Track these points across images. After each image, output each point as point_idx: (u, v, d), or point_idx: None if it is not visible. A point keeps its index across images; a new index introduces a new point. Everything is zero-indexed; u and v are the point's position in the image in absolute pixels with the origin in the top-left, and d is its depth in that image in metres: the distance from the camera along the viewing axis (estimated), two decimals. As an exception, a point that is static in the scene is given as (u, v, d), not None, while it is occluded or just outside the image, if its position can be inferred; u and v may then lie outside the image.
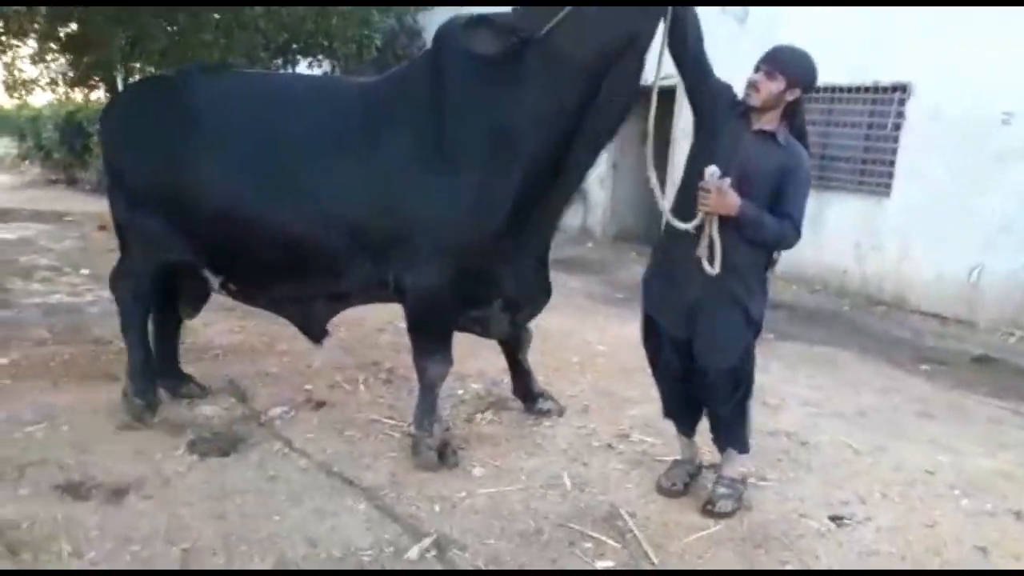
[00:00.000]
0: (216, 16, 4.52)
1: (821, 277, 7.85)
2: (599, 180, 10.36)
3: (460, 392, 4.32)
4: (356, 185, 3.22)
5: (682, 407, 3.25)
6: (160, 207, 3.51)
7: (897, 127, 7.17)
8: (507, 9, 3.09)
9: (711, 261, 2.84)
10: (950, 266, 6.82)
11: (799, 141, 2.95)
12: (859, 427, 4.13)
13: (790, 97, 2.87)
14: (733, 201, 2.77)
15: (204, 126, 3.44)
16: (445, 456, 3.39)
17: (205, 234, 3.50)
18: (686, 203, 2.93)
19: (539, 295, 3.62)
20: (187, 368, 4.27)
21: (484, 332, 3.66)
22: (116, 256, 3.90)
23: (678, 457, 3.38)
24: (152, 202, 3.53)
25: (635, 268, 9.06)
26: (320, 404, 4.09)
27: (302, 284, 3.53)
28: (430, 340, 3.40)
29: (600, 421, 4.01)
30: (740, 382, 3.01)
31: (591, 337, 5.64)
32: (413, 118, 3.19)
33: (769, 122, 2.89)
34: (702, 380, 3.02)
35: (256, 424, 3.80)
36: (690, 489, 3.26)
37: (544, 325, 5.83)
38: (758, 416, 3.66)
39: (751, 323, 2.97)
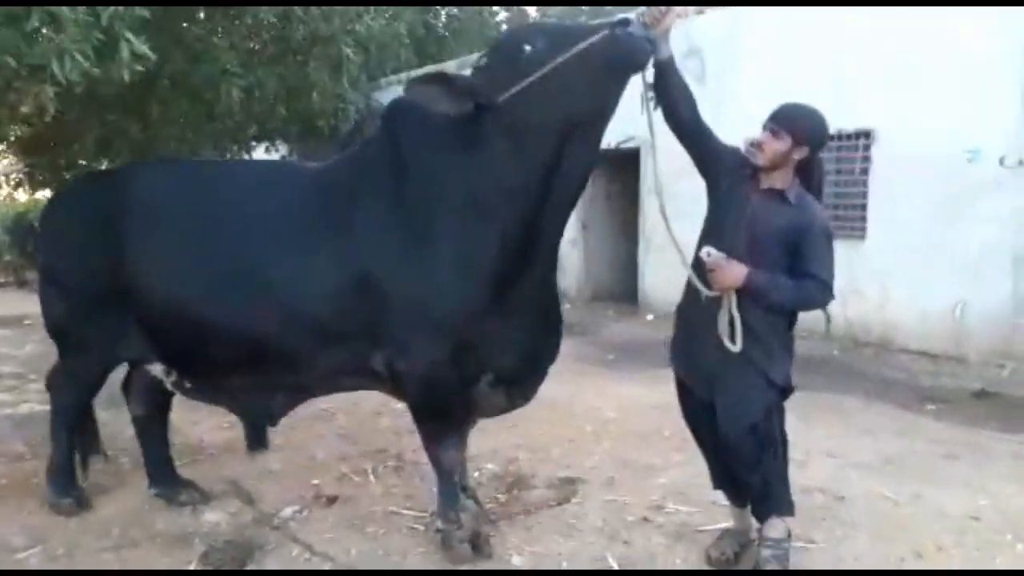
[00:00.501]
0: (185, 108, 4.41)
1: (806, 325, 7.86)
2: (571, 241, 10.37)
3: (476, 475, 4.12)
4: (323, 272, 3.03)
5: (727, 474, 3.08)
6: (109, 306, 3.37)
7: (865, 171, 7.34)
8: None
9: (732, 338, 2.77)
10: (933, 303, 6.91)
11: (815, 197, 2.89)
12: (889, 476, 4.04)
13: (798, 155, 2.80)
14: (738, 273, 2.72)
15: (153, 220, 3.31)
16: (479, 547, 3.17)
17: (157, 332, 3.36)
18: (697, 267, 2.88)
19: (539, 364, 3.30)
20: (181, 471, 4.03)
21: (474, 409, 3.29)
22: None
23: (727, 525, 3.24)
24: (100, 302, 3.40)
25: (616, 327, 9.08)
26: (332, 500, 3.86)
27: (263, 377, 3.32)
28: (438, 425, 3.19)
29: (629, 493, 3.85)
30: (765, 446, 2.88)
31: (596, 403, 5.50)
32: (375, 196, 3.03)
33: (778, 180, 2.83)
34: (726, 445, 2.91)
35: (269, 528, 3.55)
36: (741, 560, 3.10)
37: (545, 393, 5.74)
38: (793, 473, 3.49)
39: (772, 385, 2.87)
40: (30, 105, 2.61)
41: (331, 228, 3.06)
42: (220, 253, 3.20)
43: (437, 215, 2.92)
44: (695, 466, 3.48)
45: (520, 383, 3.26)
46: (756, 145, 2.80)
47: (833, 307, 7.66)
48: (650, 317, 9.35)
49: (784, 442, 3.02)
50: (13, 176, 6.98)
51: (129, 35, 2.62)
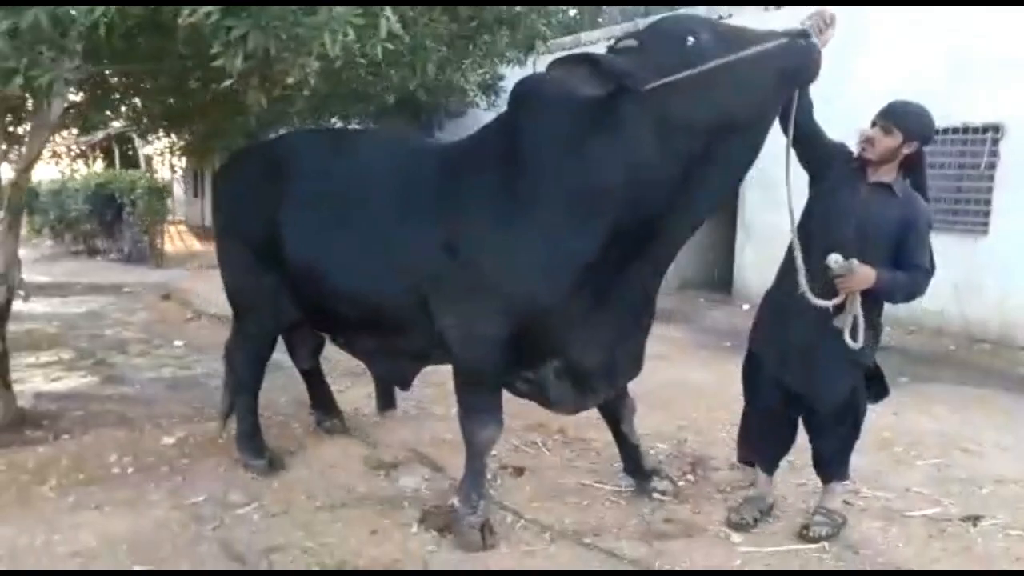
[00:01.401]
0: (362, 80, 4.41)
1: (914, 318, 7.79)
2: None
3: (652, 452, 4.16)
4: (429, 244, 3.08)
5: (773, 445, 3.37)
6: (271, 266, 3.56)
7: (992, 165, 7.22)
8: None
9: (854, 336, 2.89)
10: (1058, 302, 6.80)
11: (919, 192, 3.01)
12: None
13: (907, 151, 2.93)
14: (868, 276, 2.84)
15: (300, 184, 3.49)
16: (486, 536, 3.10)
17: (299, 292, 3.55)
18: (808, 260, 2.92)
19: (621, 368, 3.26)
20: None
21: (543, 400, 3.30)
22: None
23: (750, 493, 3.48)
24: (264, 262, 3.59)
25: (715, 315, 9.03)
26: (519, 470, 3.92)
27: (385, 341, 3.48)
28: (481, 399, 3.15)
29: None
30: (846, 418, 3.13)
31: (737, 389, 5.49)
32: (490, 175, 3.03)
33: (885, 174, 2.97)
34: (810, 418, 3.20)
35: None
36: (759, 524, 3.32)
37: (688, 377, 5.79)
38: (974, 464, 3.97)
39: (859, 366, 3.06)
40: (296, 74, 2.65)
41: (432, 201, 3.13)
42: (350, 219, 3.32)
43: (541, 200, 2.86)
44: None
45: (590, 383, 3.19)
46: (868, 141, 2.93)
47: (947, 303, 7.65)
48: (746, 307, 9.28)
49: (863, 415, 3.20)
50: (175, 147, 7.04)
51: (388, 12, 2.64)
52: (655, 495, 3.57)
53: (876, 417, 4.52)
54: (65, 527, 3.23)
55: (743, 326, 8.48)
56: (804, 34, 2.63)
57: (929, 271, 2.96)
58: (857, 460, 3.89)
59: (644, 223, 2.78)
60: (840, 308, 2.91)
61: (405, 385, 3.73)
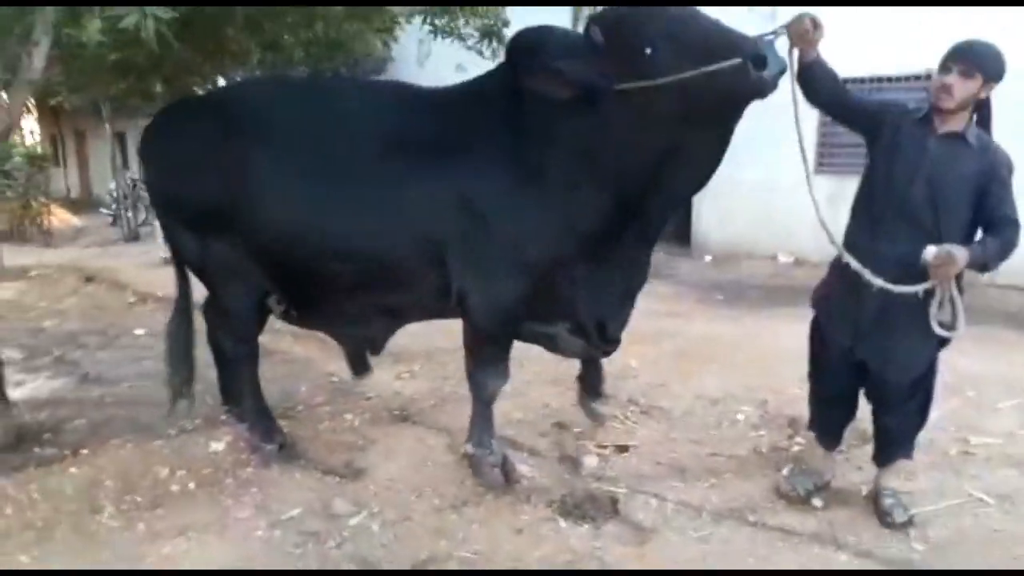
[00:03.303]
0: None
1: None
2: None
3: (740, 417, 4.02)
4: (437, 196, 2.97)
5: (837, 419, 3.15)
6: (234, 233, 3.19)
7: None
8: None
9: (952, 326, 2.67)
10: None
11: (987, 132, 2.77)
12: None
13: (984, 94, 2.67)
14: (961, 259, 2.54)
15: (279, 140, 3.11)
16: (508, 473, 3.28)
17: (267, 256, 3.22)
18: (866, 227, 2.84)
19: (620, 324, 3.34)
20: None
21: (553, 349, 3.46)
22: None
23: (805, 465, 3.29)
24: (223, 226, 3.19)
25: (682, 268, 9.00)
26: (622, 448, 3.67)
27: (364, 300, 3.30)
28: (492, 353, 3.23)
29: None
30: (918, 392, 2.92)
31: (781, 343, 5.45)
32: (490, 129, 2.99)
33: (957, 123, 2.69)
34: (879, 392, 2.95)
35: (592, 478, 3.35)
36: (808, 499, 3.12)
37: (718, 333, 5.67)
38: None
39: (935, 337, 2.76)
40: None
41: (438, 156, 2.99)
42: (339, 172, 3.06)
43: (547, 161, 2.89)
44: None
45: (596, 339, 3.30)
46: (944, 88, 2.64)
47: None
48: (707, 259, 9.38)
49: (934, 389, 2.98)
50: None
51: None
52: (595, 416, 3.88)
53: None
54: (154, 562, 2.73)
55: (716, 278, 8.70)
56: (760, 60, 2.46)
57: (1019, 222, 2.66)
58: (939, 408, 3.92)
59: (632, 200, 2.89)
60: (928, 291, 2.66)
61: (378, 349, 3.60)
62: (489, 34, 4.86)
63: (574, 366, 4.78)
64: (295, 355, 5.23)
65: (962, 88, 2.61)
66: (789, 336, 5.48)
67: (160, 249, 9.27)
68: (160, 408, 4.22)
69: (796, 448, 3.64)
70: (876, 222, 2.80)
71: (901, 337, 2.81)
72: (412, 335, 4.94)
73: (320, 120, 3.12)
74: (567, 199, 2.89)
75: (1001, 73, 2.66)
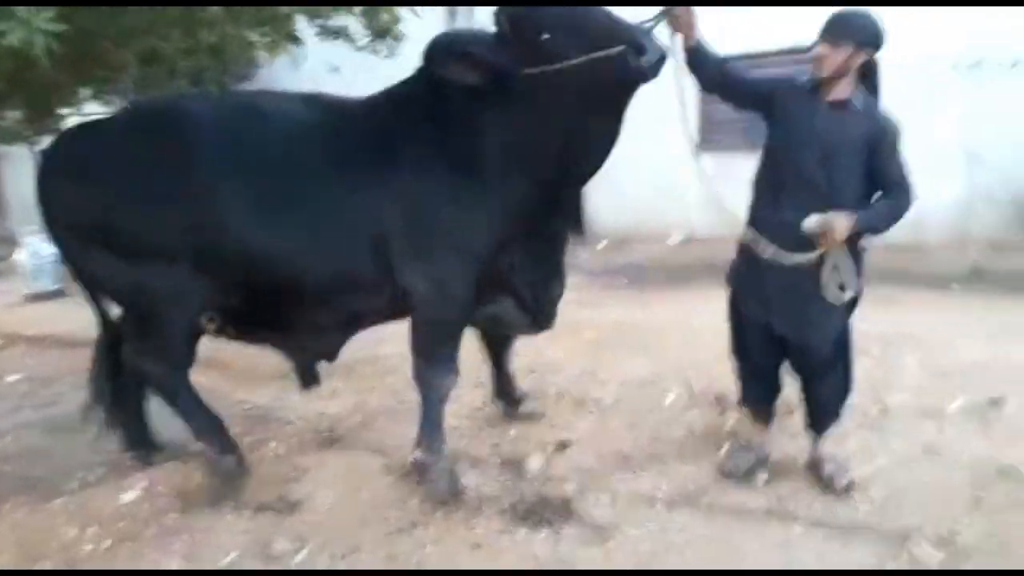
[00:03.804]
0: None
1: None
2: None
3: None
4: (377, 199, 3.04)
5: (767, 393, 3.23)
6: (172, 256, 3.05)
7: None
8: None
9: (843, 287, 2.81)
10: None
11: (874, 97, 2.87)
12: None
13: (859, 60, 2.76)
14: (847, 225, 2.68)
15: (216, 154, 3.05)
16: (453, 483, 3.18)
17: (216, 274, 3.09)
18: (768, 199, 2.92)
19: (556, 295, 3.48)
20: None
21: (499, 327, 3.57)
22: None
23: (742, 441, 3.32)
24: (160, 249, 3.05)
25: (580, 255, 9.05)
26: (563, 444, 3.62)
27: (332, 306, 3.24)
28: (443, 349, 3.21)
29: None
30: (838, 359, 3.02)
31: (690, 322, 5.55)
32: (423, 130, 3.07)
33: (842, 91, 2.79)
34: (800, 362, 3.04)
35: (538, 480, 3.27)
36: (752, 476, 3.17)
37: (650, 319, 5.64)
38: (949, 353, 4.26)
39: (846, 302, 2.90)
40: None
41: (374, 161, 3.05)
42: (281, 185, 3.06)
43: (475, 151, 2.99)
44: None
45: (541, 311, 3.41)
46: (817, 59, 2.76)
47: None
48: (601, 244, 9.49)
49: (852, 351, 3.08)
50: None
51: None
52: (525, 416, 3.91)
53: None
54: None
55: (616, 262, 8.81)
56: (640, 48, 2.62)
57: (906, 186, 2.79)
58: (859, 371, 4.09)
59: (551, 181, 2.99)
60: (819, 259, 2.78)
61: (332, 357, 3.48)
62: (383, 33, 4.68)
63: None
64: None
65: (832, 57, 2.73)
66: (700, 314, 5.64)
67: (24, 286, 8.52)
68: (47, 459, 3.86)
69: (729, 425, 3.70)
70: (778, 192, 2.88)
71: (810, 305, 2.89)
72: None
73: (261, 137, 3.10)
74: (499, 185, 2.99)
75: (873, 40, 2.75)
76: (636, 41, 2.62)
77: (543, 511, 2.99)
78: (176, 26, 3.03)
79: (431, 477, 3.16)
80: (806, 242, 2.77)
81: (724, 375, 4.27)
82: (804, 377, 3.08)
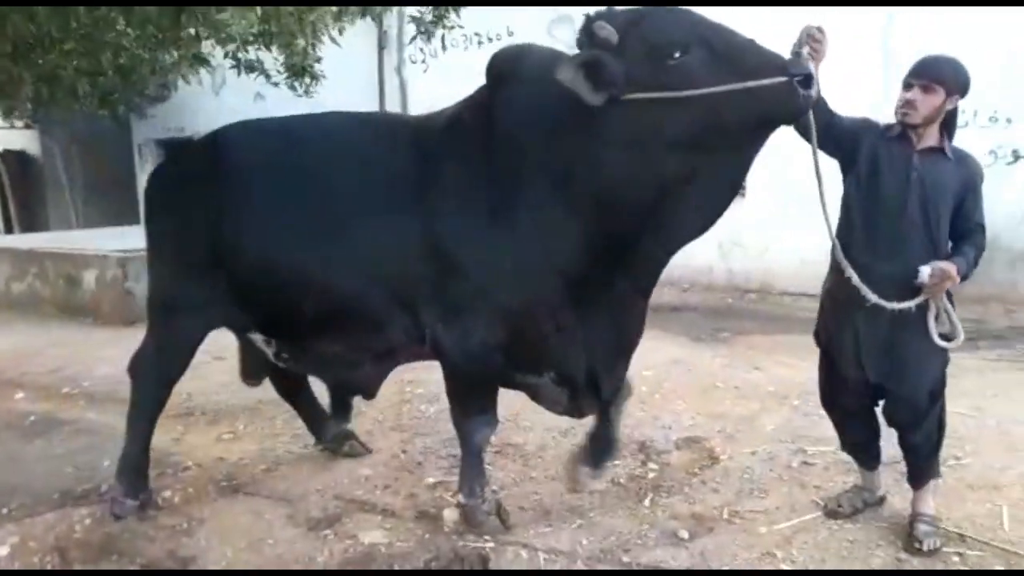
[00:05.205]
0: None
1: (687, 276, 8.53)
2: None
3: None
4: (399, 234, 2.89)
5: (863, 434, 3.16)
6: (205, 270, 3.18)
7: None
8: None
9: (952, 335, 2.79)
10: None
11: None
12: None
13: (950, 107, 2.78)
14: (955, 272, 2.68)
15: (253, 183, 3.16)
16: (503, 519, 3.13)
17: (250, 294, 3.18)
18: (864, 250, 2.82)
19: (612, 384, 3.10)
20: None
21: (537, 399, 3.22)
22: None
23: (855, 482, 3.30)
24: (198, 266, 3.20)
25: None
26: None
27: (349, 341, 3.18)
28: (476, 399, 3.05)
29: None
30: (934, 406, 2.94)
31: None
32: (463, 161, 2.84)
33: (933, 137, 2.81)
34: (897, 411, 2.95)
35: (455, 535, 3.10)
36: (857, 517, 3.14)
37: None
38: None
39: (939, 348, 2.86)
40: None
41: (414, 189, 2.89)
42: (320, 211, 3.02)
43: (522, 194, 2.69)
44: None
45: (584, 394, 3.05)
46: (908, 104, 2.74)
47: (715, 259, 8.41)
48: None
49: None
50: None
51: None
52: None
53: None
54: None
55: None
56: (807, 81, 2.32)
57: (984, 226, 2.82)
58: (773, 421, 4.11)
59: (622, 236, 2.64)
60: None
61: (369, 393, 3.51)
62: (300, 72, 4.53)
63: (417, 409, 4.55)
64: (91, 424, 4.52)
65: (925, 103, 2.72)
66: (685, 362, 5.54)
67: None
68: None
69: (652, 475, 3.62)
70: (875, 242, 2.81)
71: (909, 352, 2.85)
72: (232, 390, 4.50)
73: (299, 157, 3.09)
74: (545, 234, 2.66)
75: (963, 86, 2.76)
76: (804, 70, 2.28)
77: (458, 569, 2.83)
78: (78, 47, 2.81)
79: (478, 519, 3.06)
80: (908, 290, 2.73)
81: (646, 422, 4.27)
82: (901, 427, 2.98)
